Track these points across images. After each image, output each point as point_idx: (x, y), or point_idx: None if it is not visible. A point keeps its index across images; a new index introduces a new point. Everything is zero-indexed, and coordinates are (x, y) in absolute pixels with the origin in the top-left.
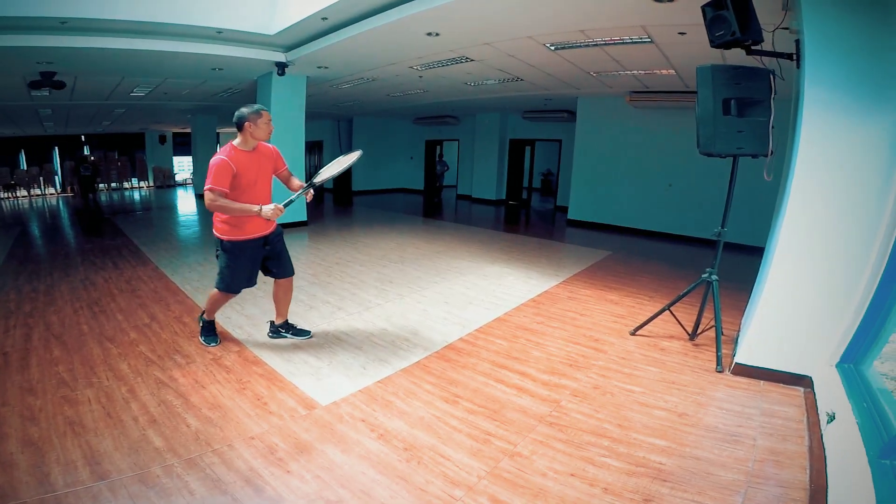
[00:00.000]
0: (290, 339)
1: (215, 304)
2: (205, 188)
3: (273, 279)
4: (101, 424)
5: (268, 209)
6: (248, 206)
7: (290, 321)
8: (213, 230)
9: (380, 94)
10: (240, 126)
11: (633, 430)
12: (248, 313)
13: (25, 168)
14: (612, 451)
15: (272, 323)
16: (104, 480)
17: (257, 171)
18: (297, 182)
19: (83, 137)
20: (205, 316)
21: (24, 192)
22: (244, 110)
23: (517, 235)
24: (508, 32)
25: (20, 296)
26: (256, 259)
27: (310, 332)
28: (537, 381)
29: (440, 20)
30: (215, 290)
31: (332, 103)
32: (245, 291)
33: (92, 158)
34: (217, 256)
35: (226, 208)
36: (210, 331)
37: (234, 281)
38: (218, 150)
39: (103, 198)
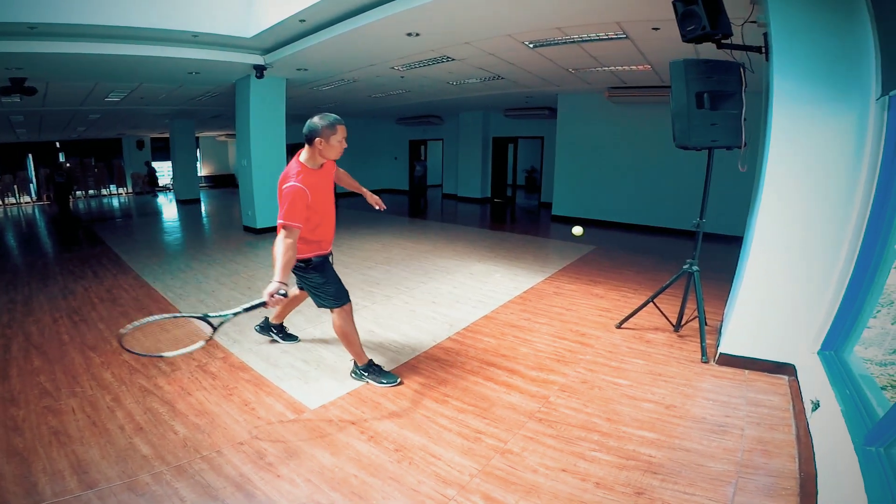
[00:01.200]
0: (277, 342)
1: (352, 332)
2: (281, 222)
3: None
4: (87, 433)
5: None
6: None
7: (284, 324)
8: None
9: (362, 96)
10: (310, 141)
11: (623, 423)
12: (234, 319)
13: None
14: (602, 445)
15: (266, 318)
16: (93, 489)
17: (326, 189)
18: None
19: (58, 144)
20: (359, 363)
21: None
22: (317, 121)
23: (503, 233)
24: (488, 31)
25: None
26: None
27: (298, 337)
28: (526, 378)
29: (419, 20)
30: (335, 316)
31: (313, 105)
32: (229, 299)
33: (67, 165)
34: (304, 286)
35: (276, 257)
36: (376, 370)
37: (339, 290)
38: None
39: (81, 205)
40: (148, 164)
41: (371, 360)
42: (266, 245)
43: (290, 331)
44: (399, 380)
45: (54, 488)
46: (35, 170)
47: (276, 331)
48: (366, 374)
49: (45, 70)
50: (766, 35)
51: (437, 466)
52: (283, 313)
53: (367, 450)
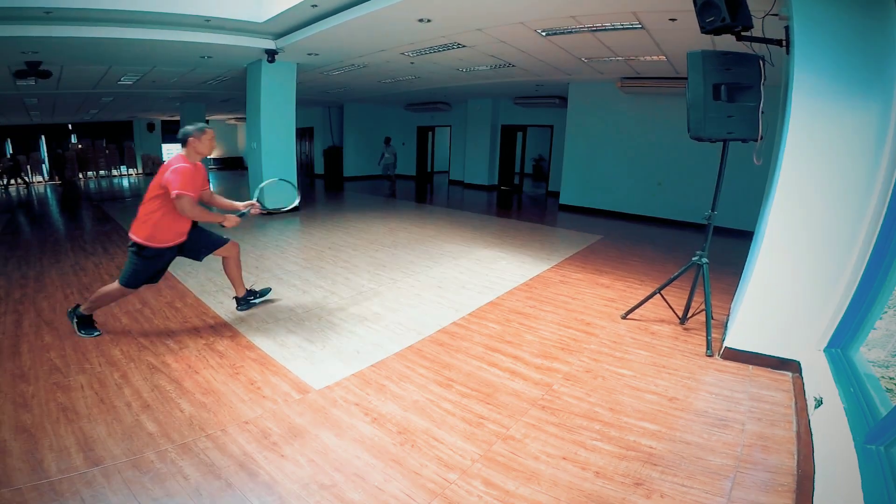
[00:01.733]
0: (257, 304)
1: (108, 299)
2: (175, 193)
3: (221, 258)
4: (94, 410)
5: (233, 219)
6: (218, 215)
7: (249, 288)
8: (134, 233)
9: (371, 81)
10: (184, 142)
11: (625, 413)
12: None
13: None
14: (603, 434)
15: (236, 299)
16: (98, 466)
17: (201, 183)
18: (225, 201)
19: (70, 126)
20: (83, 310)
21: (11, 181)
22: (189, 128)
23: (509, 220)
24: (500, 18)
25: (10, 282)
26: (169, 262)
27: (269, 288)
28: (530, 365)
29: (432, 6)
30: (117, 284)
31: (322, 90)
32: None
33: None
34: (132, 254)
35: (201, 214)
36: (90, 323)
37: (138, 280)
38: (167, 158)
39: (92, 185)
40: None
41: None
42: (274, 225)
43: (257, 288)
44: (98, 334)
45: (60, 465)
46: (48, 151)
47: (252, 297)
48: (80, 322)
49: (60, 54)
50: (787, 28)
51: (439, 450)
52: (237, 283)
53: (370, 431)
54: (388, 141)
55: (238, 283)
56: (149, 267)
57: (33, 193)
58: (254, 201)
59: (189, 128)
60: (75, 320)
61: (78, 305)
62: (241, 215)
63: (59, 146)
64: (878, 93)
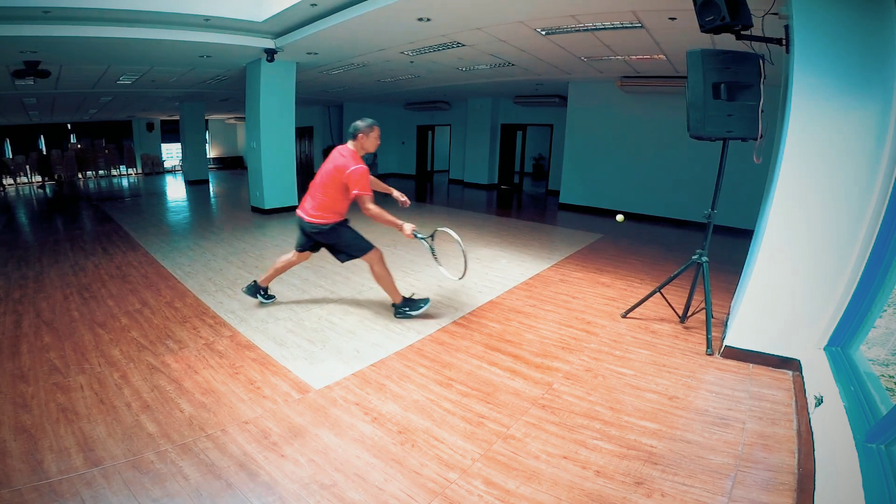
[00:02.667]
0: (265, 306)
1: (387, 274)
2: (360, 193)
3: (308, 251)
4: (94, 411)
5: (409, 229)
6: (396, 221)
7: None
8: (318, 221)
9: (370, 80)
10: (354, 136)
11: (625, 412)
12: (241, 298)
13: (11, 156)
14: (603, 433)
15: (255, 281)
16: (98, 467)
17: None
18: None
19: (69, 126)
20: (396, 301)
21: (10, 181)
22: (360, 123)
23: (509, 219)
24: (500, 17)
25: (9, 282)
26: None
27: (274, 297)
28: (530, 364)
29: (431, 5)
30: (371, 258)
31: (322, 89)
32: (237, 277)
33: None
34: (339, 251)
35: (380, 215)
36: (412, 303)
37: (365, 239)
38: (343, 152)
39: (91, 185)
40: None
41: (405, 297)
42: (274, 225)
43: (271, 292)
44: (427, 305)
45: (60, 466)
46: (47, 150)
47: (263, 292)
48: (403, 309)
49: (59, 53)
50: (787, 27)
51: (439, 450)
52: (271, 277)
53: (370, 431)
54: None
55: (272, 276)
56: (352, 230)
57: (20, 195)
58: (431, 237)
59: (360, 123)
60: (405, 310)
61: (393, 304)
62: (418, 237)
63: (58, 146)
64: (877, 92)
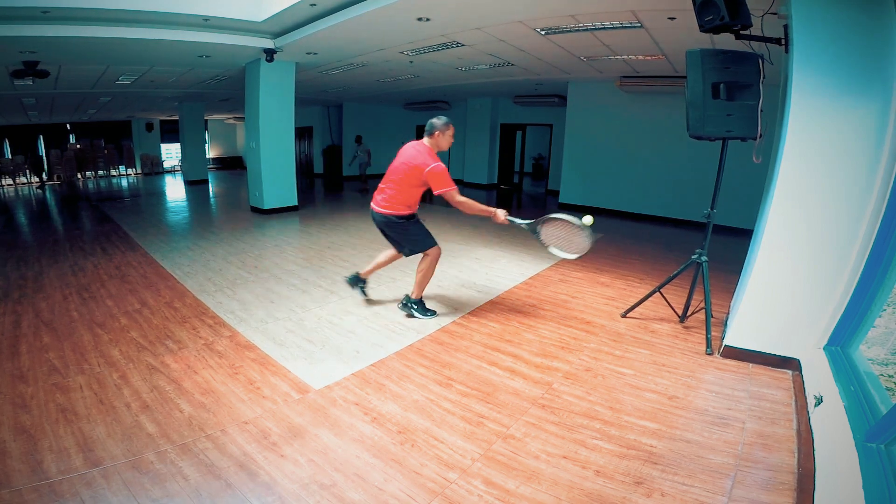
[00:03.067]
0: (364, 296)
1: (430, 273)
2: (446, 190)
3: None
4: (94, 411)
5: (502, 215)
6: (488, 209)
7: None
8: (388, 213)
9: (370, 80)
10: (430, 133)
11: (625, 412)
12: (241, 298)
13: (10, 157)
14: (603, 433)
15: (358, 273)
16: (98, 467)
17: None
18: None
19: (68, 126)
20: (413, 296)
21: (10, 181)
22: (437, 122)
23: None
24: (499, 17)
25: (8, 282)
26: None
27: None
28: (530, 364)
29: (431, 5)
30: (427, 255)
31: (321, 89)
32: (236, 277)
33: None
34: (403, 244)
35: (471, 206)
36: (423, 307)
37: (431, 237)
38: (418, 148)
39: (91, 185)
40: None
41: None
42: (273, 225)
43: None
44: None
45: (59, 466)
46: (46, 151)
47: (362, 283)
48: (417, 308)
49: (58, 53)
50: (786, 27)
51: (439, 450)
52: (372, 269)
53: (370, 431)
54: (359, 139)
55: (373, 270)
56: (421, 225)
57: (20, 195)
58: (534, 222)
59: (437, 122)
60: (414, 307)
61: (408, 296)
62: (515, 222)
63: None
64: (877, 91)
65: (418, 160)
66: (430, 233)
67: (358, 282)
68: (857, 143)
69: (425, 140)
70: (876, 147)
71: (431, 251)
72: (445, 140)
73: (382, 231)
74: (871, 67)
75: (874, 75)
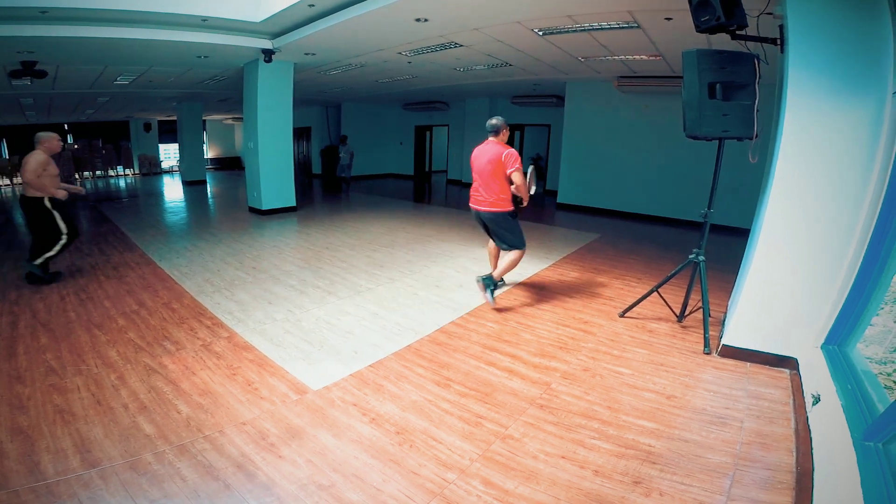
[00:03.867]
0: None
1: (515, 266)
2: (516, 168)
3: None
4: (91, 412)
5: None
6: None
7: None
8: (495, 210)
9: (368, 80)
10: (497, 132)
11: (623, 412)
12: (239, 299)
13: (7, 157)
14: (601, 433)
15: (490, 276)
16: (95, 468)
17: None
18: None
19: (66, 126)
20: (495, 275)
21: (7, 181)
22: (498, 123)
23: None
24: (497, 17)
25: (5, 283)
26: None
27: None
28: (528, 364)
29: (429, 5)
30: (517, 251)
31: (319, 90)
32: (234, 278)
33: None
34: (503, 238)
35: (524, 183)
36: (497, 287)
37: (524, 237)
38: (492, 144)
39: (88, 185)
40: None
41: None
42: (272, 225)
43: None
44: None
45: (57, 467)
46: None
47: (496, 283)
48: (493, 288)
49: (56, 53)
50: (781, 27)
51: (437, 450)
52: (494, 265)
53: (368, 432)
54: (343, 140)
55: (494, 266)
56: (518, 224)
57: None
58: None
59: (498, 122)
60: (491, 287)
61: (491, 276)
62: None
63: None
64: (871, 90)
65: (498, 151)
66: (523, 233)
67: (491, 283)
68: (853, 142)
69: (493, 139)
70: (871, 145)
71: (523, 251)
72: (506, 134)
73: (486, 227)
74: (866, 66)
75: (869, 74)
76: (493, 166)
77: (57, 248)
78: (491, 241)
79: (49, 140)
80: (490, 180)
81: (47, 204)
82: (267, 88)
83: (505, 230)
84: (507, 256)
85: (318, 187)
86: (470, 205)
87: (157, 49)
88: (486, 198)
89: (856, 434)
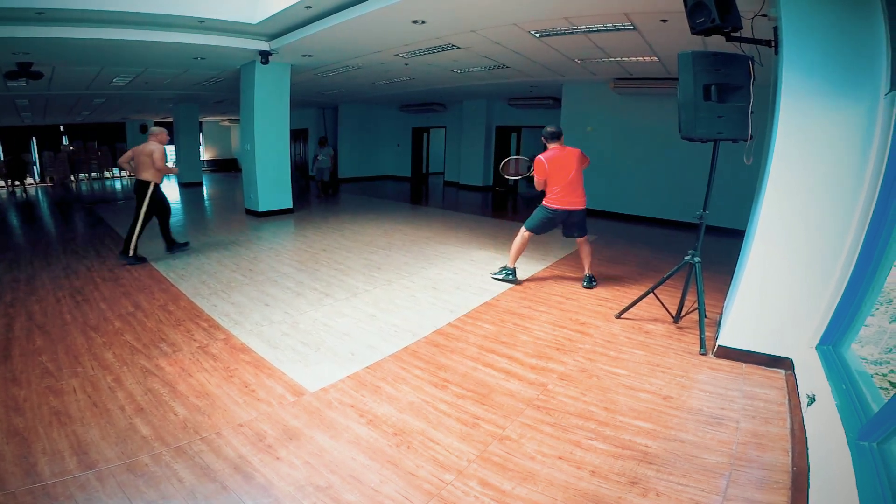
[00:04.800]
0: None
1: (523, 247)
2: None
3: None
4: (88, 414)
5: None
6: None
7: (590, 274)
8: (585, 207)
9: (365, 82)
10: (559, 137)
11: (619, 412)
12: (235, 301)
13: (3, 159)
14: (598, 433)
15: (589, 276)
16: (92, 470)
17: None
18: None
19: (62, 128)
20: (509, 265)
21: (2, 183)
22: (556, 130)
23: (504, 221)
24: (494, 19)
25: (0, 286)
26: (556, 224)
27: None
28: (525, 365)
29: (426, 8)
30: (527, 231)
31: (317, 91)
32: (231, 280)
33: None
34: (579, 228)
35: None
36: (510, 276)
37: (537, 224)
38: (566, 147)
39: (84, 187)
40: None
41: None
42: (268, 228)
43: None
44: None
45: (53, 469)
46: (39, 153)
47: (594, 280)
48: (509, 275)
49: (52, 55)
50: (776, 29)
51: (435, 451)
52: (587, 265)
53: (365, 433)
54: (323, 142)
55: (588, 265)
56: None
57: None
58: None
59: (556, 129)
60: (509, 274)
61: (590, 275)
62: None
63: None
64: (865, 91)
65: (577, 152)
66: None
67: (593, 281)
68: (846, 143)
69: (557, 144)
70: (864, 146)
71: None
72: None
73: (565, 224)
74: (859, 68)
75: (862, 76)
76: (580, 164)
77: (138, 229)
78: (579, 246)
79: (161, 133)
80: (579, 179)
81: (150, 189)
82: (264, 90)
83: (585, 221)
84: (584, 246)
85: (314, 189)
86: (563, 207)
87: (153, 50)
88: (581, 197)
89: (851, 434)
